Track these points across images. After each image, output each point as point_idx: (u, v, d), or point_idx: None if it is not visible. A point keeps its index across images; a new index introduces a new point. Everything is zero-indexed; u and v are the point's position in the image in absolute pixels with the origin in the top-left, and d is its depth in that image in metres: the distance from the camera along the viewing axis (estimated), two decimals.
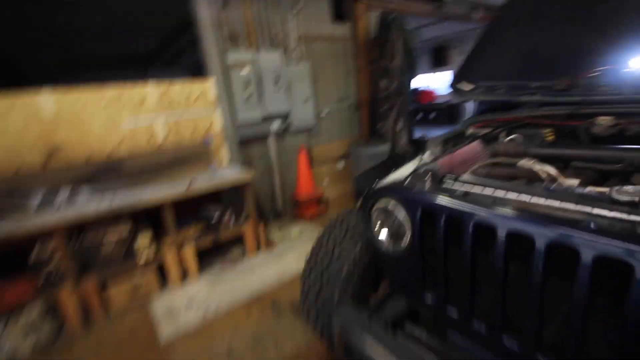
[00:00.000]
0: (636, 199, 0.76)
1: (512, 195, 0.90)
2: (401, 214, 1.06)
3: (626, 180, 1.02)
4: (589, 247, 0.68)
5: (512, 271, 0.86)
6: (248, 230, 3.14)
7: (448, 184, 1.05)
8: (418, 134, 5.15)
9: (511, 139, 1.47)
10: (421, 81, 11.53)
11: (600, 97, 1.36)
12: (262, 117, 3.66)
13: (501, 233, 0.81)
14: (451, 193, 0.96)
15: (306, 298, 1.46)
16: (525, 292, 0.81)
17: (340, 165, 4.55)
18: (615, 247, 0.66)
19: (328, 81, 4.23)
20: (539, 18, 1.71)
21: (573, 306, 0.73)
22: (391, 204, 1.09)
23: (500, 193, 0.92)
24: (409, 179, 1.16)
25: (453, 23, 5.86)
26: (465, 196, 0.93)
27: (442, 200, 0.94)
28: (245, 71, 3.45)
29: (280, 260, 3.07)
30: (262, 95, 3.60)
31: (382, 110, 4.37)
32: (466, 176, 1.08)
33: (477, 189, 0.97)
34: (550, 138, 1.44)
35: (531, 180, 1.04)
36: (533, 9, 1.76)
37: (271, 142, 3.80)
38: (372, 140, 4.49)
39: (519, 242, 0.80)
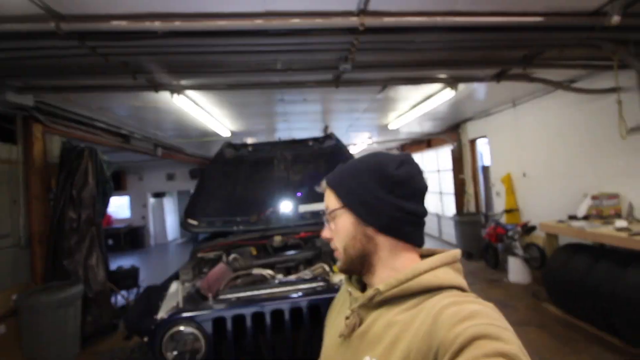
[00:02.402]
0: (311, 275, 1.61)
1: (262, 292, 1.50)
2: (194, 333, 1.33)
3: (298, 269, 1.95)
4: (304, 304, 1.40)
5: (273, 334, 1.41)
6: None
7: (221, 297, 1.48)
8: (112, 265, 4.78)
9: (234, 258, 2.14)
10: None
11: (274, 225, 2.39)
12: None
13: (267, 311, 1.36)
14: (229, 301, 1.41)
15: None
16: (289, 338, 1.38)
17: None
18: (310, 300, 1.41)
19: None
20: (233, 175, 2.69)
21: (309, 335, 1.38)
22: (183, 328, 1.33)
23: (255, 293, 1.49)
24: (187, 303, 1.46)
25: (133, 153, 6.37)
26: (239, 300, 1.42)
27: (227, 308, 1.36)
28: None
29: None
30: None
31: (70, 244, 3.82)
32: (229, 289, 1.57)
33: (241, 294, 1.48)
34: (254, 253, 2.27)
35: (264, 280, 1.71)
36: (228, 169, 2.74)
37: None
38: (53, 283, 3.67)
39: (274, 315, 1.39)
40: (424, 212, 0.72)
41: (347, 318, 0.67)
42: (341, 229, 0.69)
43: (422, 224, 0.72)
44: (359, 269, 0.69)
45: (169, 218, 11.54)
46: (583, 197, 3.92)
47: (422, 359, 0.52)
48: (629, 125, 2.96)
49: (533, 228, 4.42)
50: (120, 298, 4.50)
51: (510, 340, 0.47)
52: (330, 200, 0.71)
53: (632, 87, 3.33)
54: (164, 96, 3.51)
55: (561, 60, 3.08)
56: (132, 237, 10.07)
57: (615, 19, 1.87)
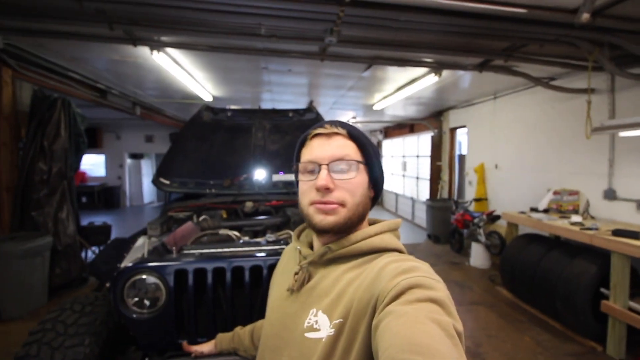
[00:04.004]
0: (274, 239, 1.68)
1: (225, 249, 1.56)
2: (156, 282, 1.39)
3: (265, 234, 2.02)
4: (264, 263, 1.47)
5: (231, 289, 1.49)
6: None
7: (185, 252, 1.54)
8: (84, 222, 4.73)
9: (204, 219, 2.18)
10: None
11: (246, 191, 2.44)
12: None
13: (229, 267, 1.43)
14: (192, 256, 1.46)
15: None
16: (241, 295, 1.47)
17: None
18: (270, 260, 1.48)
19: None
20: (209, 139, 2.68)
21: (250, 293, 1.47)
22: (145, 277, 1.39)
23: (218, 250, 1.55)
24: (151, 255, 1.51)
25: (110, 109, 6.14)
26: (202, 255, 1.48)
27: (190, 262, 1.42)
28: None
29: None
30: None
31: (40, 196, 3.74)
32: (194, 245, 1.62)
33: (204, 250, 1.54)
34: (225, 216, 2.32)
35: (229, 240, 1.77)
36: (204, 133, 2.72)
37: None
38: (21, 233, 3.63)
39: (234, 271, 1.46)
40: None
41: (296, 273, 0.71)
42: (359, 184, 0.68)
43: None
44: (350, 227, 0.69)
45: (146, 180, 11.34)
46: (547, 191, 4.15)
47: (363, 306, 0.57)
48: (594, 125, 3.12)
49: (497, 217, 4.66)
50: (90, 253, 4.49)
51: (440, 290, 0.53)
52: (352, 151, 0.69)
53: (604, 89, 3.48)
54: (144, 52, 3.38)
55: (541, 56, 3.16)
56: (106, 196, 9.88)
57: (585, 15, 1.94)
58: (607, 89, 3.44)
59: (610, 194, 3.49)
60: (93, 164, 10.72)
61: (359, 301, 0.58)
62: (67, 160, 3.93)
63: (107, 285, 1.40)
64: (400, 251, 0.68)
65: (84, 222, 4.69)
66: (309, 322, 0.64)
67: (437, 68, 3.69)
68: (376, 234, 0.68)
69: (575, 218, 3.46)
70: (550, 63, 3.24)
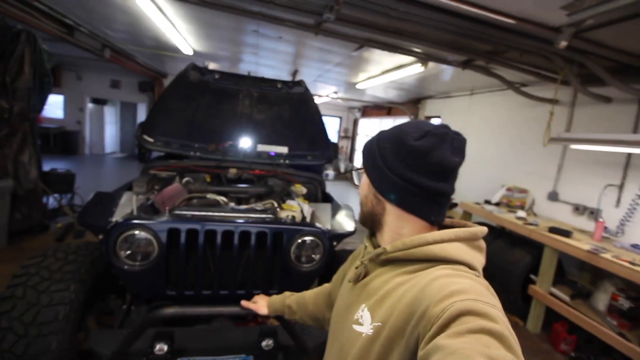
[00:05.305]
0: (261, 207, 1.80)
1: (216, 213, 1.66)
2: (149, 238, 1.47)
3: (249, 202, 2.12)
4: (252, 230, 1.60)
5: (221, 253, 1.61)
6: None
7: (177, 212, 1.61)
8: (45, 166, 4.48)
9: (188, 181, 2.23)
10: None
11: (230, 157, 2.49)
12: None
13: (219, 230, 1.54)
14: (185, 217, 1.55)
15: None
16: (227, 259, 1.60)
17: None
18: (258, 227, 1.61)
19: None
20: (194, 100, 2.64)
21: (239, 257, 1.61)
22: (138, 232, 1.46)
23: (210, 214, 1.65)
24: (140, 212, 1.57)
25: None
26: (194, 217, 1.57)
27: (183, 221, 1.51)
28: None
29: None
30: None
31: None
32: (186, 207, 1.70)
33: (196, 212, 1.63)
34: (208, 180, 2.37)
35: (218, 205, 1.86)
36: (191, 92, 2.66)
37: None
38: None
39: (223, 236, 1.57)
40: (439, 188, 0.67)
41: (356, 267, 0.76)
42: (362, 186, 0.78)
43: (436, 200, 0.68)
44: (370, 224, 0.76)
45: (108, 129, 10.67)
46: (501, 187, 4.58)
47: (401, 323, 0.56)
48: (552, 134, 3.46)
49: (455, 205, 5.07)
50: (52, 200, 4.32)
51: (495, 318, 0.47)
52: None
53: (567, 102, 3.83)
54: None
55: (519, 63, 3.39)
56: (64, 140, 9.23)
57: (563, 44, 2.15)
58: (569, 102, 3.78)
59: (553, 196, 3.95)
60: (49, 104, 9.84)
61: (398, 313, 0.57)
62: (30, 100, 3.66)
63: (100, 237, 1.45)
64: (469, 265, 0.61)
65: (45, 166, 4.45)
66: (357, 316, 0.67)
67: (424, 59, 3.81)
68: (436, 242, 0.62)
69: (521, 213, 3.89)
70: (525, 71, 3.49)
